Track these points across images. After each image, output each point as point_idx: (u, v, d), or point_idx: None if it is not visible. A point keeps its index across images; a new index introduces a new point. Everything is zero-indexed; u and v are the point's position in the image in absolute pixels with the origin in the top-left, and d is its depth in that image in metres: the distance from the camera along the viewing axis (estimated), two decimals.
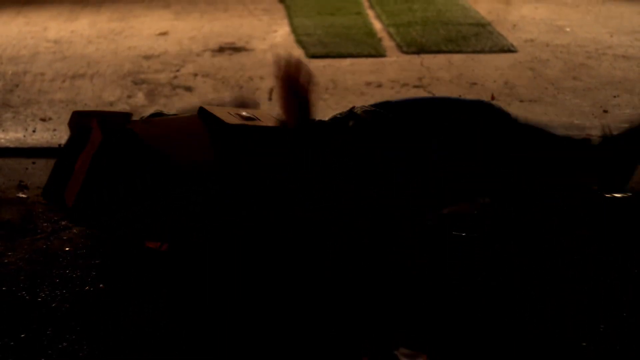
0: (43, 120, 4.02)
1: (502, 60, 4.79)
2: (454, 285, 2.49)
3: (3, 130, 3.92)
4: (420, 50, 4.98)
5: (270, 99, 4.23)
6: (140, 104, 4.12)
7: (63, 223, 2.98)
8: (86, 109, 4.07)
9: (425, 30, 5.35)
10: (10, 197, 3.25)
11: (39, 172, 3.40)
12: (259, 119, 2.76)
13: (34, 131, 3.89)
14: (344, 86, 4.42)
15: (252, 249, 2.56)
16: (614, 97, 4.18)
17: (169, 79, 4.52)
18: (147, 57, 4.91)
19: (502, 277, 2.53)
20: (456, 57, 4.84)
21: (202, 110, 2.69)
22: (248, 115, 2.75)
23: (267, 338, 2.28)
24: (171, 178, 2.52)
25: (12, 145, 3.77)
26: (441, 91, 4.30)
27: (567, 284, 2.50)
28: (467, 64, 4.72)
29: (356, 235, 2.62)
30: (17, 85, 4.50)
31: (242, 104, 3.09)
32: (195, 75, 4.58)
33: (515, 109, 4.03)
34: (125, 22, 5.71)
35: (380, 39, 5.23)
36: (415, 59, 4.83)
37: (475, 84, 4.41)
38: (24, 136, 3.85)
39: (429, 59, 4.82)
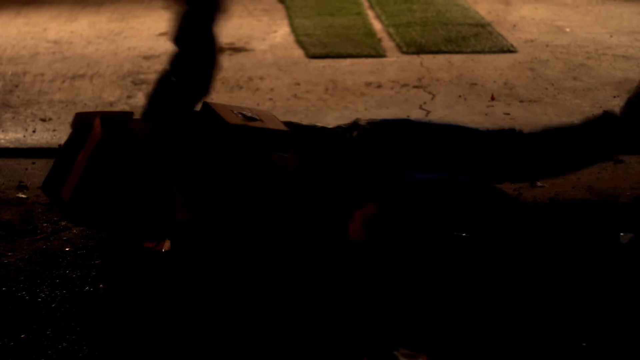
0: (43, 120, 4.02)
1: (502, 60, 4.79)
2: (454, 286, 2.49)
3: (3, 131, 3.92)
4: (420, 50, 4.98)
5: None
6: (140, 105, 4.10)
7: (63, 223, 2.98)
8: (86, 109, 4.07)
9: (425, 31, 5.35)
10: (10, 197, 3.25)
11: (39, 172, 3.40)
12: (262, 120, 2.76)
13: (33, 131, 3.89)
14: (344, 86, 4.42)
15: (250, 249, 2.56)
16: (614, 97, 4.18)
17: None
18: (147, 58, 4.91)
19: (502, 277, 2.53)
20: (456, 58, 4.84)
21: (205, 106, 2.70)
22: (251, 115, 2.75)
23: (268, 338, 2.28)
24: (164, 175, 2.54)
25: (12, 146, 3.77)
26: (441, 91, 4.30)
27: (567, 284, 2.50)
28: (466, 65, 4.72)
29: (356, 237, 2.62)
30: (16, 86, 4.50)
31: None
32: None
33: (515, 109, 4.04)
34: (125, 22, 5.71)
35: (380, 40, 5.23)
36: (415, 60, 4.83)
37: (475, 84, 4.41)
38: (24, 136, 3.85)
39: (428, 60, 4.82)
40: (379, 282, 2.48)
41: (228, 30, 5.50)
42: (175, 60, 2.79)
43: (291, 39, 5.27)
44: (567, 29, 5.39)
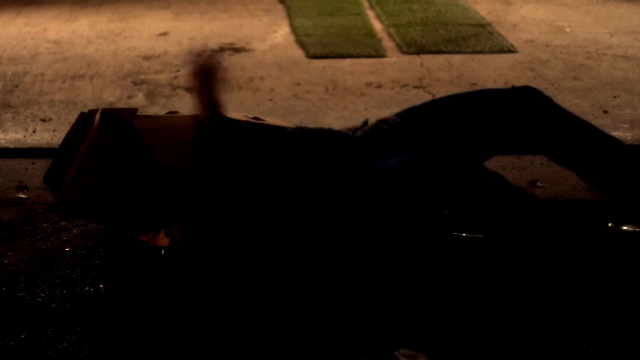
0: (43, 120, 4.02)
1: (502, 60, 4.80)
2: (454, 286, 2.49)
3: (3, 131, 3.92)
4: (420, 50, 4.98)
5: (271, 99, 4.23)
6: (140, 105, 4.12)
7: (63, 223, 2.98)
8: (86, 109, 4.06)
9: (425, 31, 5.35)
10: (10, 197, 3.25)
11: (39, 172, 3.39)
12: (264, 120, 2.78)
13: (34, 132, 3.89)
14: (344, 86, 4.42)
15: (248, 249, 2.56)
16: (614, 97, 4.18)
17: (169, 79, 4.52)
18: (147, 58, 4.91)
19: (502, 277, 2.53)
20: (456, 58, 4.84)
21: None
22: (254, 117, 2.78)
23: (268, 338, 2.28)
24: (147, 172, 2.55)
25: (12, 146, 3.77)
26: (441, 92, 4.30)
27: (567, 284, 2.50)
28: (467, 65, 4.72)
29: (356, 237, 2.62)
30: (17, 86, 4.50)
31: None
32: None
33: None
34: (125, 22, 5.71)
35: (380, 40, 5.23)
36: (415, 60, 4.83)
37: (475, 84, 4.41)
38: (24, 137, 3.85)
39: (428, 60, 4.82)
40: (379, 282, 2.48)
41: (228, 30, 5.52)
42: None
43: (291, 39, 5.27)
44: (567, 29, 5.39)
